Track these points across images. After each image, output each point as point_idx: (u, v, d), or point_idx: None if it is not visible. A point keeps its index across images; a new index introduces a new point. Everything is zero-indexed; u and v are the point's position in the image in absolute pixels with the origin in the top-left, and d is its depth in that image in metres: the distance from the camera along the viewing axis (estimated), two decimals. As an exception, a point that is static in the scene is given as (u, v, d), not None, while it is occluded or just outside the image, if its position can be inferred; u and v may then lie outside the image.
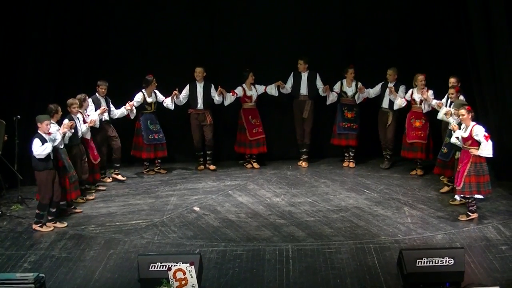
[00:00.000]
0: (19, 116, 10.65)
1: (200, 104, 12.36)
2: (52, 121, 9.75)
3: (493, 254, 8.45)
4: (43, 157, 9.48)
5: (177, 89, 12.21)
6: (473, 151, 9.48)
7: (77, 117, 10.61)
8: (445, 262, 7.57)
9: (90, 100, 11.21)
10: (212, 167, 12.65)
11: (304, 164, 12.77)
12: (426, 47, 12.55)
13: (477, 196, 9.67)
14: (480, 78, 11.27)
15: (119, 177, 12.03)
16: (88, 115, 11.07)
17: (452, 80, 11.03)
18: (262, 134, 12.59)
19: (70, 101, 10.57)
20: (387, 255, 8.54)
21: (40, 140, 9.48)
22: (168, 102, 12.26)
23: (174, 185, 11.78)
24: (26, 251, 8.98)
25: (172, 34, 12.86)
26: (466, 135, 9.57)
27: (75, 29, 12.27)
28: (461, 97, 10.66)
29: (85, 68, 12.49)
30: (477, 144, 9.47)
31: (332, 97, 12.46)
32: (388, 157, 12.43)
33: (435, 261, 7.58)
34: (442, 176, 11.26)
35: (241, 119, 12.54)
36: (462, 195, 9.76)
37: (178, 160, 13.06)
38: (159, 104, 12.27)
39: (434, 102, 11.28)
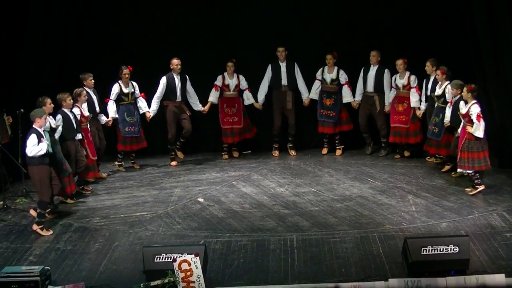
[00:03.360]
0: (22, 110, 10.60)
1: (178, 96, 12.15)
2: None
3: (498, 242, 8.44)
4: (36, 156, 9.19)
5: (149, 116, 12.07)
6: (468, 128, 9.91)
7: (72, 111, 10.47)
8: (450, 250, 7.57)
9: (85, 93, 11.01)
10: (180, 154, 12.46)
11: (292, 152, 12.83)
12: (425, 33, 12.50)
13: (469, 171, 10.06)
14: (484, 67, 11.24)
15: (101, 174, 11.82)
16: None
17: (427, 64, 11.44)
18: (236, 124, 12.53)
19: (61, 95, 10.31)
20: (392, 243, 8.54)
21: (37, 137, 9.16)
22: (143, 106, 12.05)
23: (178, 176, 11.79)
24: (31, 244, 9.00)
25: (174, 27, 12.85)
26: (464, 111, 9.99)
27: (77, 22, 12.31)
28: (447, 82, 11.00)
29: (87, 61, 12.49)
30: (472, 122, 9.86)
31: (314, 88, 12.52)
32: (383, 145, 12.53)
33: (440, 249, 7.58)
34: (429, 157, 11.88)
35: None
36: (460, 169, 10.19)
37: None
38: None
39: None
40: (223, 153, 12.81)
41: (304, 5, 12.76)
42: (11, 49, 11.47)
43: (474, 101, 9.93)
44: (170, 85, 12.08)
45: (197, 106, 12.43)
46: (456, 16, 12.02)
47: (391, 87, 12.15)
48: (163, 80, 12.07)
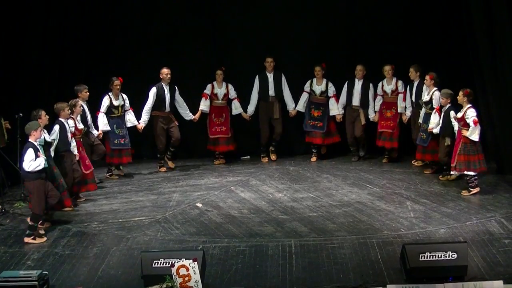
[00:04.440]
0: (21, 114, 10.59)
1: (167, 107, 12.10)
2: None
3: (496, 248, 8.44)
4: (33, 172, 9.06)
5: (141, 128, 12.03)
6: (464, 132, 10.09)
7: (67, 122, 10.29)
8: (448, 256, 7.57)
9: (82, 104, 10.87)
10: (171, 164, 12.51)
11: (273, 157, 12.89)
12: (422, 41, 12.53)
13: (467, 172, 10.21)
14: (483, 73, 11.26)
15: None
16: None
17: (411, 70, 11.65)
18: (223, 133, 12.53)
19: (59, 105, 10.20)
20: (390, 249, 8.53)
21: (34, 151, 9.03)
22: (132, 119, 11.98)
23: (177, 181, 11.79)
24: (29, 248, 8.97)
25: (175, 31, 12.89)
26: (460, 115, 10.18)
27: (76, 27, 12.32)
28: (434, 88, 11.16)
29: (86, 66, 12.52)
30: (468, 125, 10.03)
31: (302, 100, 12.57)
32: (362, 154, 12.65)
33: (438, 255, 7.58)
34: (414, 160, 12.04)
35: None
36: (456, 172, 10.33)
37: (178, 157, 13.02)
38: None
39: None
40: (214, 160, 12.82)
41: (294, 16, 12.81)
42: (11, 54, 11.48)
43: (469, 105, 10.10)
44: (160, 96, 12.02)
45: (187, 115, 12.40)
46: (455, 22, 12.05)
47: (377, 94, 12.26)
48: (153, 90, 11.99)
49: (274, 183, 11.51)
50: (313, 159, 12.80)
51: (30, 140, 9.18)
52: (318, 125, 12.52)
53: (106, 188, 11.50)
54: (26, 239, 9.22)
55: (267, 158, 12.90)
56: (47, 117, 9.85)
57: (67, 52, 12.21)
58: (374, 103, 12.32)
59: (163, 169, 12.45)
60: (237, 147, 12.88)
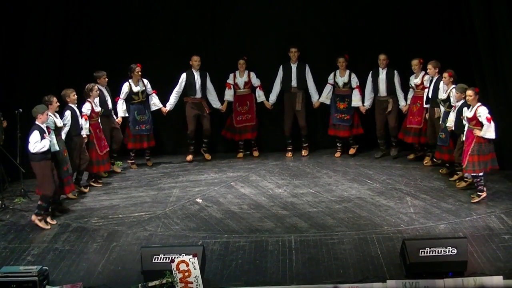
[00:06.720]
0: (21, 110, 10.61)
1: (197, 93, 12.27)
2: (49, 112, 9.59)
3: (496, 244, 8.45)
4: (38, 153, 9.24)
5: (165, 110, 12.20)
6: (476, 132, 9.72)
7: (76, 107, 10.53)
8: (448, 252, 7.58)
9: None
10: (207, 156, 12.63)
11: (304, 152, 12.81)
12: (426, 35, 12.44)
13: (478, 174, 9.84)
14: (482, 70, 11.24)
15: (115, 168, 12.05)
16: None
17: (429, 67, 11.28)
18: (249, 121, 12.59)
19: (65, 91, 10.44)
20: (390, 245, 8.54)
21: (40, 133, 9.21)
22: (156, 103, 12.16)
23: (177, 177, 11.78)
24: (29, 244, 9.00)
25: (174, 25, 12.83)
26: (470, 115, 9.81)
27: (76, 21, 12.28)
28: (452, 86, 10.80)
29: (86, 60, 12.48)
30: (481, 124, 9.69)
31: (325, 92, 12.47)
32: (394, 154, 12.40)
33: (438, 250, 7.60)
34: (427, 162, 11.76)
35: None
36: (470, 174, 9.97)
37: (179, 152, 12.97)
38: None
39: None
40: (239, 150, 12.81)
41: (317, 5, 12.71)
42: (9, 49, 11.45)
43: (479, 103, 9.77)
44: (189, 81, 12.22)
45: (216, 103, 12.51)
46: (455, 19, 12.01)
47: (410, 87, 12.02)
48: (183, 76, 12.23)
49: (274, 178, 11.51)
50: (337, 154, 12.68)
51: (36, 122, 9.34)
52: (345, 118, 12.39)
53: (107, 184, 11.50)
54: (33, 217, 9.48)
55: (291, 153, 12.83)
56: (58, 104, 10.03)
57: (66, 46, 12.18)
58: (403, 92, 12.08)
59: (190, 157, 12.52)
60: (258, 138, 12.87)
